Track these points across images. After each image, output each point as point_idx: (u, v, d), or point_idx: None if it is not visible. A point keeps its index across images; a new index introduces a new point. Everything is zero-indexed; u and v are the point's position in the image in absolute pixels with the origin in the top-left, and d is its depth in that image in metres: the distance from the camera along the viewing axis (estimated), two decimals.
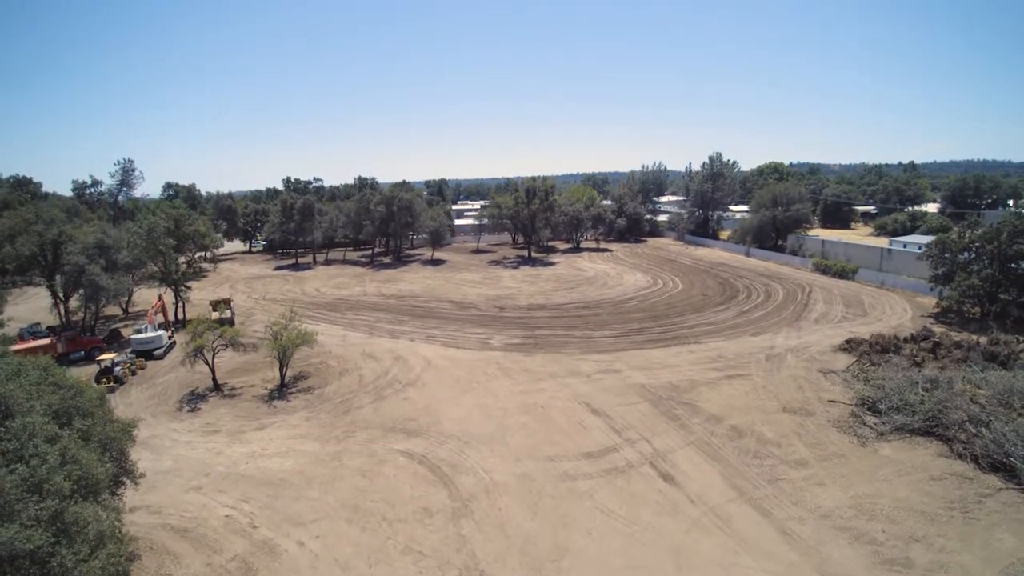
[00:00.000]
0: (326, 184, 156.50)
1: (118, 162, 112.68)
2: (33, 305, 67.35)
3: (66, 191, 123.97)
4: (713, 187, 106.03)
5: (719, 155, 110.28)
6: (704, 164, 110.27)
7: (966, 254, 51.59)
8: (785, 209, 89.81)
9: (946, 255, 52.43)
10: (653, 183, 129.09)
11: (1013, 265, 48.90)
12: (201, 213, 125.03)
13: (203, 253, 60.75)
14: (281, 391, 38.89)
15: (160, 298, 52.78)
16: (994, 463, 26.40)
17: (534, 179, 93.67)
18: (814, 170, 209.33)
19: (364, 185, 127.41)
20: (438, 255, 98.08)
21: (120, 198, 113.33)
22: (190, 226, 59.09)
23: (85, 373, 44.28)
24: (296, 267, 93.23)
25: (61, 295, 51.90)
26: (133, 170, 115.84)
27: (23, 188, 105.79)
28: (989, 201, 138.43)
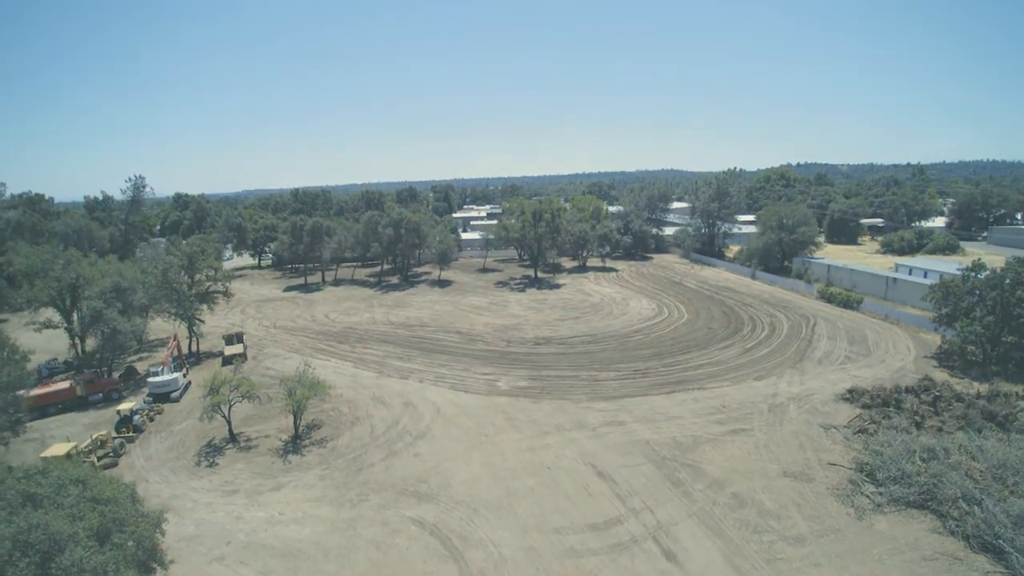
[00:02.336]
0: (334, 185, 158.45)
1: (129, 179, 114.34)
2: (48, 332, 68.83)
3: (75, 194, 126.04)
4: (719, 206, 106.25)
5: (725, 173, 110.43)
6: (710, 182, 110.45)
7: (969, 297, 51.96)
8: (791, 232, 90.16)
9: (950, 298, 52.84)
10: (659, 199, 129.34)
11: (1016, 311, 49.23)
12: (211, 226, 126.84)
13: (216, 284, 61.91)
14: (295, 444, 40.11)
15: (175, 338, 54.06)
16: (984, 543, 27.20)
17: (540, 201, 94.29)
18: (821, 176, 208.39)
19: (371, 204, 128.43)
20: (445, 275, 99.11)
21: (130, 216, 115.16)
22: (203, 262, 60.34)
23: (104, 417, 45.93)
24: (305, 287, 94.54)
25: (78, 335, 53.24)
26: (144, 186, 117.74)
27: (35, 206, 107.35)
28: (998, 214, 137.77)
